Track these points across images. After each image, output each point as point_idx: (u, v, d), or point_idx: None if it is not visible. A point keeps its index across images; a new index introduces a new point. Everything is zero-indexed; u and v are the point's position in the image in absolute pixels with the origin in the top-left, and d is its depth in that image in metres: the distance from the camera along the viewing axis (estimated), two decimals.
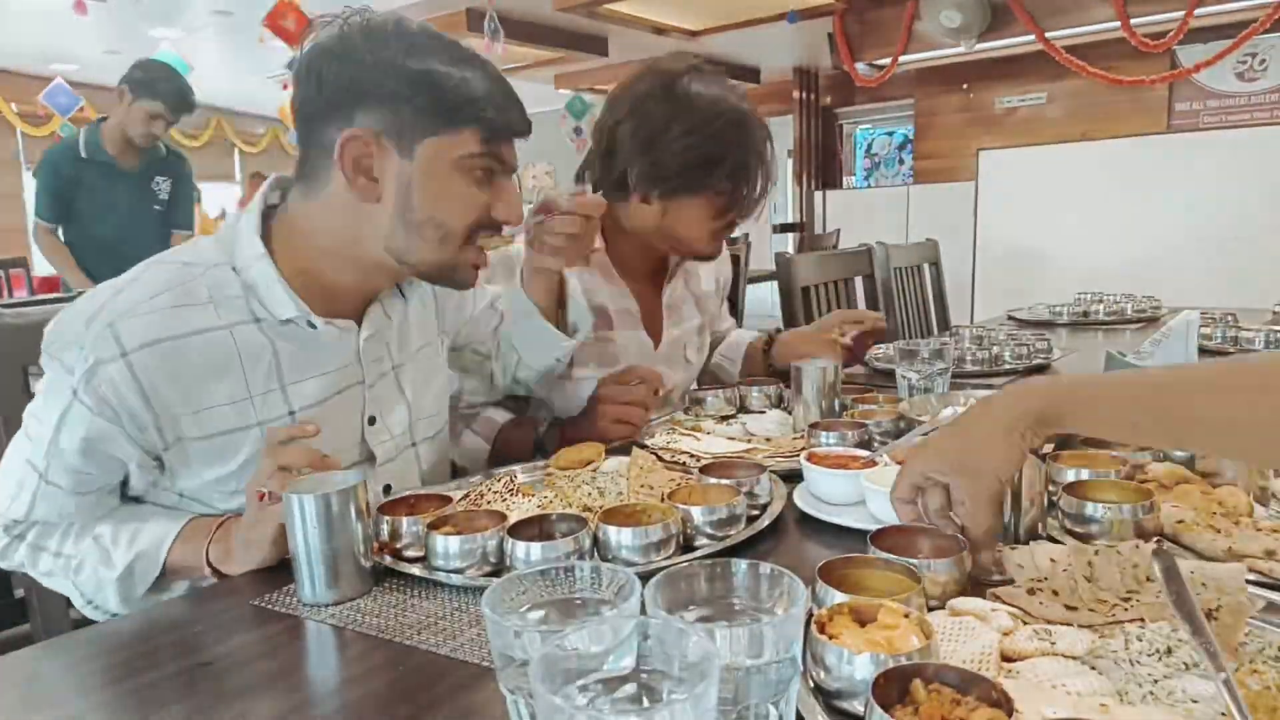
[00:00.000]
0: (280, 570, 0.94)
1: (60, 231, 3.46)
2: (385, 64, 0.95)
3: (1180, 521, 0.90)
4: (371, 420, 1.14)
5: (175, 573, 1.01)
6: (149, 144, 3.41)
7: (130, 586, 1.00)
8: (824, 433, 1.25)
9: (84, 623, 1.13)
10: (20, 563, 1.05)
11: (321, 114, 0.98)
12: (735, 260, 1.99)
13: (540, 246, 1.29)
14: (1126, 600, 0.73)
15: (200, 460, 1.02)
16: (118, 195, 3.45)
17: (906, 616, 0.64)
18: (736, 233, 1.88)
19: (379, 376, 1.15)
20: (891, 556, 0.75)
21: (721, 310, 1.91)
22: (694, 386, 1.71)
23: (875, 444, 1.24)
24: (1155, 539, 0.89)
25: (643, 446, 1.26)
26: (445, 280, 1.10)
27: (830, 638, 0.62)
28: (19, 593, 1.19)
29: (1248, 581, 0.77)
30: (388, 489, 1.16)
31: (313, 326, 1.03)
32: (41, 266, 4.95)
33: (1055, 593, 0.75)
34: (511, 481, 1.12)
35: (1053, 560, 0.80)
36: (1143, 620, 0.71)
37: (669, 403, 1.66)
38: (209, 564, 0.97)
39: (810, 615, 0.64)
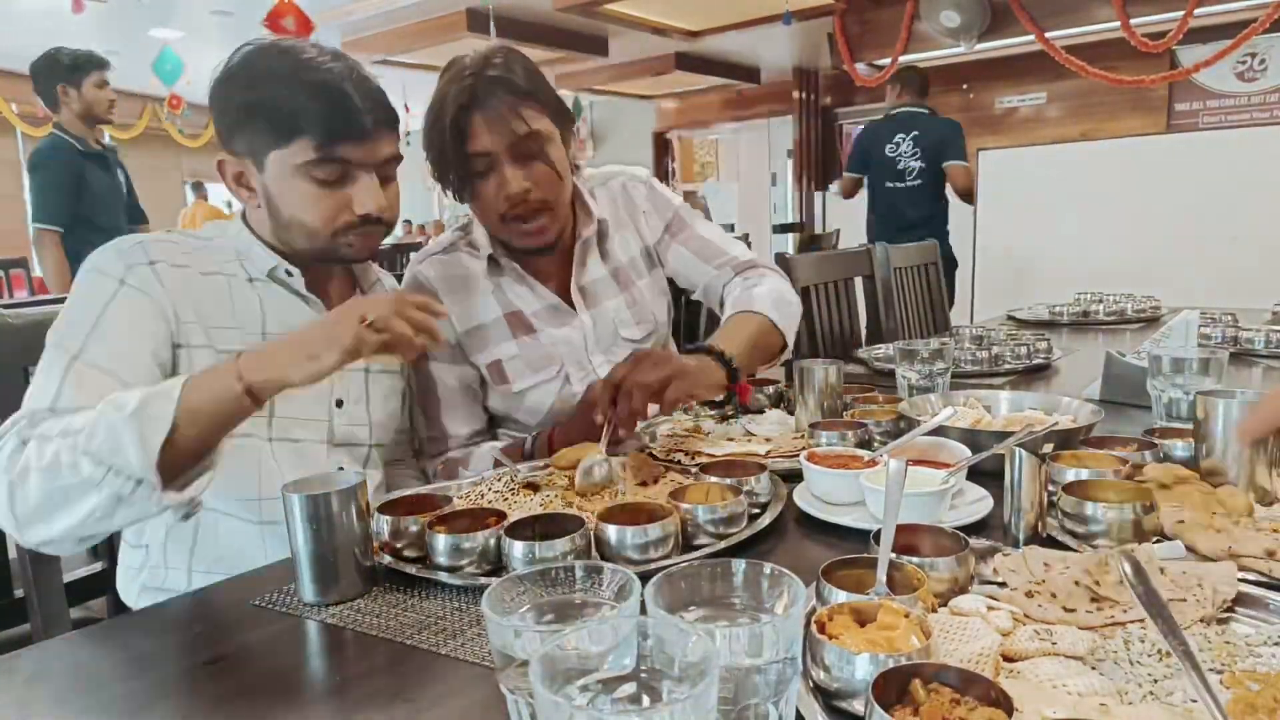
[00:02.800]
0: (280, 570, 0.94)
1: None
2: (235, 96, 1.14)
3: (1180, 521, 0.90)
4: (339, 403, 1.25)
5: (195, 413, 0.91)
6: (109, 117, 3.47)
7: (148, 427, 0.88)
8: (824, 432, 1.25)
9: (85, 623, 1.13)
10: (8, 471, 0.92)
11: (223, 147, 1.18)
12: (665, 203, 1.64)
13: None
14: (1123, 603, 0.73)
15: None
16: (110, 184, 3.51)
17: (906, 616, 0.64)
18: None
19: (351, 367, 1.12)
20: (894, 556, 0.75)
21: (683, 251, 1.63)
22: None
23: (875, 444, 1.24)
24: (1155, 539, 0.89)
25: (652, 454, 1.25)
26: (331, 262, 1.24)
27: (830, 638, 0.62)
28: (19, 593, 1.19)
29: (1249, 581, 0.78)
30: (341, 469, 1.23)
31: (289, 274, 1.20)
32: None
33: (1054, 595, 0.75)
34: (512, 480, 1.12)
35: (1046, 565, 0.80)
36: (1143, 621, 0.71)
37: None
38: (240, 378, 0.92)
39: (811, 614, 0.64)
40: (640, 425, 1.42)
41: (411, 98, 8.33)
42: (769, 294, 1.53)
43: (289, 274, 1.21)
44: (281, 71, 1.12)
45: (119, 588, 1.22)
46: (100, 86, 3.40)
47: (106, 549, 1.30)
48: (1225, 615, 0.73)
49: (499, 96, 1.31)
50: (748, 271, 1.60)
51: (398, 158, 1.21)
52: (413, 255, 1.56)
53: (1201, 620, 0.71)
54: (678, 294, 1.79)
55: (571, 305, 1.51)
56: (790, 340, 1.55)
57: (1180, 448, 1.13)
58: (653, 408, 1.28)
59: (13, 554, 1.18)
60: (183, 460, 0.92)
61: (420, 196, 12.02)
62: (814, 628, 0.63)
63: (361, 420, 1.29)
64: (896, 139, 4.45)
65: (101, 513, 0.90)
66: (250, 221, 1.24)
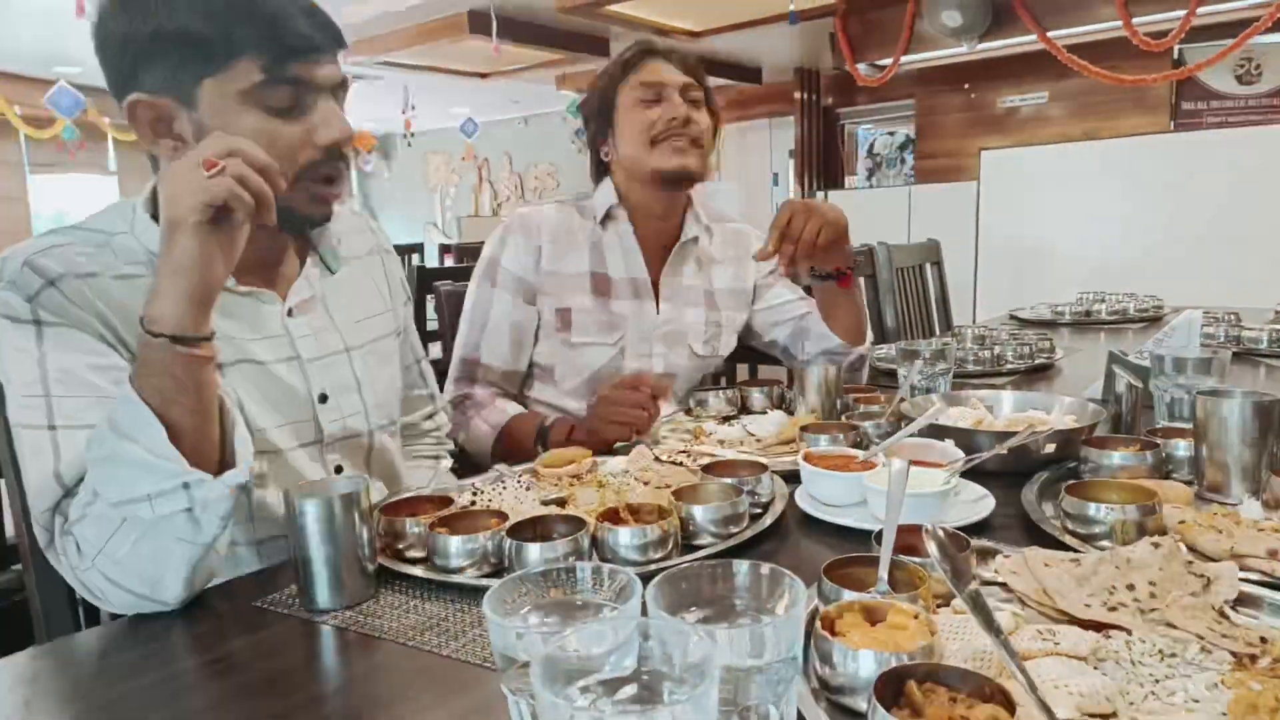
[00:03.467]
0: (282, 572, 0.94)
1: None
2: (140, 22, 0.92)
3: (1182, 521, 0.90)
4: (323, 398, 1.11)
5: (159, 395, 0.82)
6: None
7: (142, 434, 0.81)
8: (813, 435, 1.24)
9: (85, 623, 1.13)
10: (68, 552, 0.88)
11: (114, 87, 0.96)
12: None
13: (610, 416, 1.38)
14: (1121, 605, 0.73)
15: None
16: None
17: (916, 617, 0.64)
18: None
19: (325, 353, 1.12)
20: (897, 556, 0.75)
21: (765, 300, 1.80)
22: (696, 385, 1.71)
23: (872, 444, 1.24)
24: (1153, 539, 0.89)
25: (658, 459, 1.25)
26: (288, 225, 1.01)
27: (838, 635, 0.63)
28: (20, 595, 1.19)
29: (1252, 582, 0.78)
30: (339, 469, 1.14)
31: None
32: None
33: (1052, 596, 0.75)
34: (519, 480, 1.12)
35: (1047, 565, 0.80)
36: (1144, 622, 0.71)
37: (673, 395, 1.67)
38: (151, 334, 0.82)
39: (815, 614, 0.64)
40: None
41: (413, 97, 8.36)
42: None
43: None
44: None
45: None
46: None
47: None
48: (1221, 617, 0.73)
49: (678, 56, 1.58)
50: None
51: (347, 82, 1.02)
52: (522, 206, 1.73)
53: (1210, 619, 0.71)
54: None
55: (656, 293, 1.64)
56: (867, 339, 1.73)
57: (1182, 448, 1.12)
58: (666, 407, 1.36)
59: (15, 562, 1.18)
60: (205, 446, 0.85)
61: (423, 198, 12.04)
62: (820, 624, 0.63)
63: (355, 409, 1.15)
64: None
65: (190, 534, 0.83)
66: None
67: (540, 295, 1.59)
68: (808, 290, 1.77)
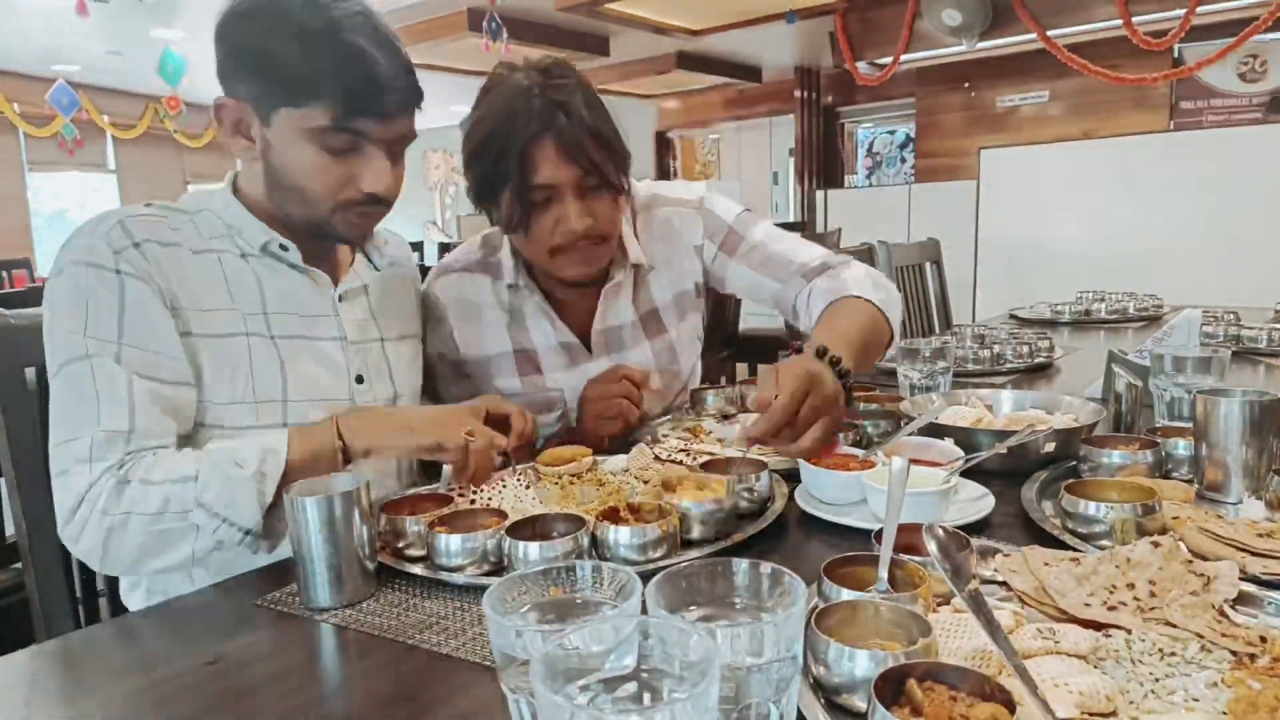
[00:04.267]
0: (283, 570, 0.94)
1: None
2: (251, 39, 1.04)
3: (1175, 517, 0.90)
4: (360, 379, 1.21)
5: (297, 469, 0.98)
6: None
7: (264, 485, 0.97)
8: None
9: (85, 623, 1.13)
10: (109, 512, 0.93)
11: (219, 78, 1.08)
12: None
13: (600, 412, 1.34)
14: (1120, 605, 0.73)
15: (210, 368, 1.07)
16: None
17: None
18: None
19: (364, 339, 1.23)
20: (897, 555, 0.75)
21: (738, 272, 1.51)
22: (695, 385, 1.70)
23: (872, 443, 1.24)
24: (1154, 538, 0.89)
25: (657, 458, 1.25)
26: (324, 237, 1.17)
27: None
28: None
29: (1253, 580, 0.78)
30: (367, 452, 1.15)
31: (284, 249, 1.13)
32: (45, 267, 4.96)
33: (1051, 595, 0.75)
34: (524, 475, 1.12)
35: (1046, 564, 0.80)
36: (1145, 622, 0.71)
37: (659, 398, 1.63)
38: (340, 436, 1.02)
39: (813, 613, 0.64)
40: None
41: None
42: (863, 276, 1.39)
43: (284, 248, 1.13)
44: (312, 24, 1.02)
45: (121, 594, 1.20)
46: None
47: None
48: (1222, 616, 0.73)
49: (568, 125, 1.22)
50: (824, 274, 1.43)
51: (412, 136, 1.13)
52: (433, 263, 1.58)
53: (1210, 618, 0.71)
54: (719, 298, 1.74)
55: (589, 348, 1.47)
56: (897, 328, 1.40)
57: (1182, 447, 1.12)
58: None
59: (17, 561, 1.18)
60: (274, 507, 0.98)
61: (423, 196, 12.02)
62: (814, 624, 0.63)
63: (386, 394, 1.25)
64: None
65: (199, 554, 0.97)
66: (241, 183, 1.17)
67: (473, 377, 1.45)
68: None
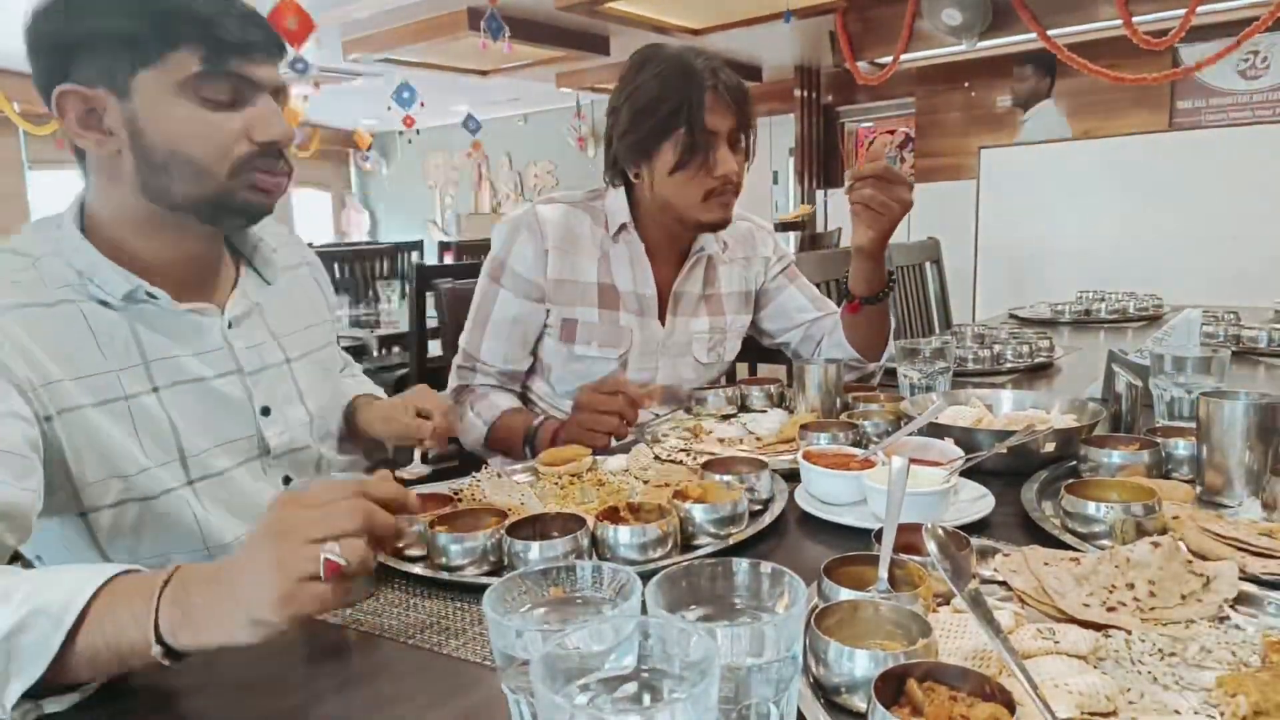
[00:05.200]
0: None
1: None
2: (77, 19, 0.91)
3: (1175, 517, 0.90)
4: (265, 411, 1.08)
5: (88, 659, 0.66)
6: None
7: (13, 664, 0.64)
8: (814, 434, 1.24)
9: None
10: None
11: (44, 83, 0.94)
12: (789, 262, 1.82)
13: (587, 423, 1.36)
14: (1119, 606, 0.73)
15: (84, 448, 0.91)
16: None
17: None
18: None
19: (265, 365, 1.10)
20: (897, 554, 0.75)
21: (773, 302, 1.79)
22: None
23: (871, 443, 1.24)
24: (1153, 538, 0.89)
25: (657, 457, 1.25)
26: (228, 216, 1.01)
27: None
28: None
29: (1253, 580, 0.78)
30: (287, 480, 1.12)
31: (153, 297, 0.97)
32: None
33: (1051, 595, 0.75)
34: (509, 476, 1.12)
35: (1046, 564, 0.80)
36: (1145, 621, 0.71)
37: (677, 400, 1.67)
38: (158, 636, 0.65)
39: (812, 612, 0.65)
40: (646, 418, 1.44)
41: (415, 94, 8.34)
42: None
43: (152, 296, 0.96)
44: None
45: None
46: None
47: None
48: (1224, 615, 0.73)
49: (729, 81, 1.46)
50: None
51: (286, 90, 1.01)
52: (532, 203, 1.62)
53: (1210, 620, 0.71)
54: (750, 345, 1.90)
55: (662, 306, 1.62)
56: (881, 360, 1.69)
57: (1182, 447, 1.12)
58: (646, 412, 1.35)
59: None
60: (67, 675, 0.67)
61: (423, 195, 12.03)
62: (814, 624, 0.63)
63: (300, 419, 1.13)
64: None
65: None
66: (92, 211, 0.99)
67: (547, 299, 1.56)
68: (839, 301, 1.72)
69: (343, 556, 0.64)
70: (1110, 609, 0.72)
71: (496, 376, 1.60)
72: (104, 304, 0.96)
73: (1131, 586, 0.74)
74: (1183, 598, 0.73)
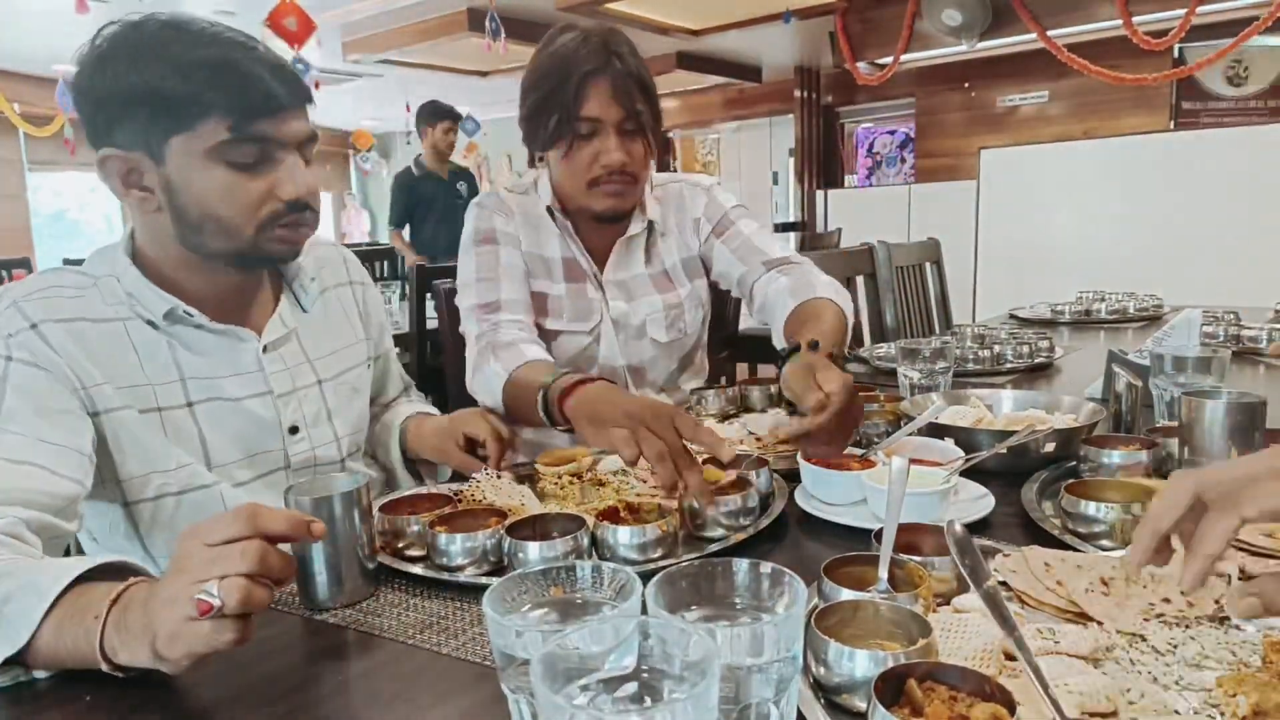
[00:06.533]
0: None
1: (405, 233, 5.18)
2: (113, 81, 0.96)
3: None
4: (294, 430, 1.15)
5: (50, 654, 0.72)
6: (447, 152, 5.24)
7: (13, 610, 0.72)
8: None
9: None
10: None
11: (91, 138, 1.01)
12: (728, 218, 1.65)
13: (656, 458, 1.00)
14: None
15: (126, 445, 1.01)
16: (444, 200, 5.12)
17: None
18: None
19: (296, 388, 1.16)
20: (897, 555, 0.75)
21: (729, 249, 1.63)
22: (697, 385, 1.71)
23: (871, 443, 1.24)
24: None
25: None
26: (258, 264, 1.11)
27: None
28: None
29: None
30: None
31: (189, 315, 1.05)
32: (45, 266, 4.98)
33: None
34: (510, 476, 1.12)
35: (1047, 565, 0.80)
36: (1146, 621, 0.71)
37: (647, 382, 1.66)
38: (103, 654, 0.70)
39: (812, 613, 0.65)
40: None
41: (412, 96, 8.34)
42: (829, 282, 1.52)
43: (189, 314, 1.05)
44: (173, 47, 0.96)
45: None
46: (446, 133, 5.20)
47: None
48: (1223, 615, 0.73)
49: (622, 72, 1.40)
50: (781, 266, 1.59)
51: (315, 137, 1.06)
52: (482, 193, 1.64)
53: (1210, 619, 0.71)
54: (719, 296, 1.83)
55: (603, 291, 1.59)
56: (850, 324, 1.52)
57: None
58: None
59: None
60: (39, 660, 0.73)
61: None
62: (814, 624, 0.63)
63: (327, 439, 1.19)
64: None
65: None
66: (139, 244, 1.07)
67: (528, 274, 1.56)
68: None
69: (218, 596, 0.65)
70: (1146, 620, 0.72)
71: (524, 314, 1.50)
72: (149, 324, 1.05)
73: (1168, 601, 0.73)
74: (1215, 602, 0.73)
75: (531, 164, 1.58)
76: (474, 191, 5.19)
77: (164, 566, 0.86)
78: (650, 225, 1.61)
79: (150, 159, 0.98)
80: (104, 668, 0.70)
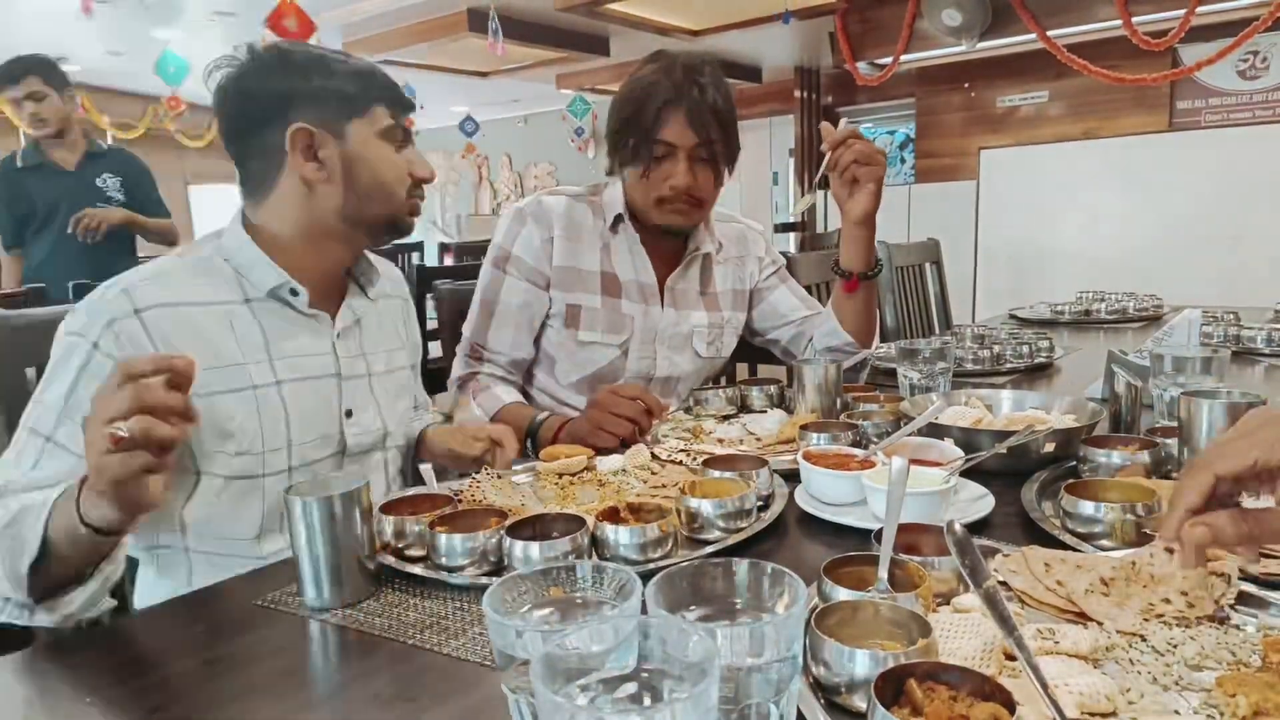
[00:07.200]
0: (283, 570, 0.94)
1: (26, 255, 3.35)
2: (298, 72, 1.15)
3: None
4: (349, 413, 1.23)
5: (55, 543, 0.87)
6: (39, 129, 3.23)
7: (15, 546, 0.87)
8: (814, 434, 1.24)
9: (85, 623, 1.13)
10: None
11: (258, 125, 1.16)
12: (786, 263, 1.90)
13: (601, 422, 1.35)
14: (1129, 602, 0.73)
15: (218, 425, 1.08)
16: (61, 197, 3.29)
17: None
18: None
19: (354, 375, 1.25)
20: (897, 555, 0.75)
21: (765, 302, 1.83)
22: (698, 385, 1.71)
23: (871, 443, 1.24)
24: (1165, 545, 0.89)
25: (655, 457, 1.25)
26: (389, 233, 1.26)
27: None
28: None
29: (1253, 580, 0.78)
30: None
31: (295, 294, 1.16)
32: None
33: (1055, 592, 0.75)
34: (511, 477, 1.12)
35: (1047, 565, 0.80)
36: (1146, 621, 0.71)
37: (674, 393, 1.68)
38: (80, 517, 0.84)
39: (813, 612, 0.65)
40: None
41: (415, 95, 8.34)
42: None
43: (294, 293, 1.16)
44: (334, 59, 1.19)
45: (136, 600, 1.17)
46: (25, 99, 3.17)
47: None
48: (1224, 615, 0.73)
49: (699, 102, 1.50)
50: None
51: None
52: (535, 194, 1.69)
53: (1210, 619, 0.71)
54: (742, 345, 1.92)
55: (662, 296, 1.67)
56: (871, 347, 1.78)
57: None
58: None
59: None
60: (58, 576, 0.89)
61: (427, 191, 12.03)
62: (814, 624, 0.63)
63: (373, 426, 1.27)
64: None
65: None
66: (261, 219, 1.18)
67: (552, 285, 1.60)
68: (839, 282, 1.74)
69: (125, 430, 0.76)
70: (1146, 620, 0.72)
71: (504, 366, 1.63)
72: (245, 302, 1.14)
73: (1168, 601, 0.74)
74: (1215, 602, 0.73)
75: (610, 173, 1.66)
76: (141, 187, 3.47)
77: (194, 542, 1.11)
78: (708, 248, 1.72)
79: (331, 136, 1.16)
80: (83, 533, 0.83)
